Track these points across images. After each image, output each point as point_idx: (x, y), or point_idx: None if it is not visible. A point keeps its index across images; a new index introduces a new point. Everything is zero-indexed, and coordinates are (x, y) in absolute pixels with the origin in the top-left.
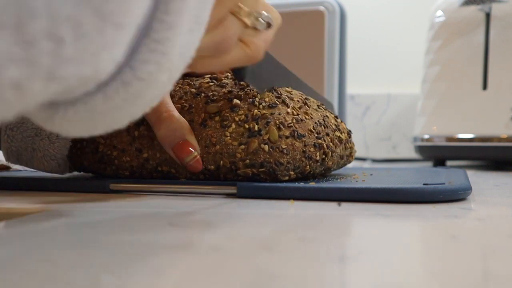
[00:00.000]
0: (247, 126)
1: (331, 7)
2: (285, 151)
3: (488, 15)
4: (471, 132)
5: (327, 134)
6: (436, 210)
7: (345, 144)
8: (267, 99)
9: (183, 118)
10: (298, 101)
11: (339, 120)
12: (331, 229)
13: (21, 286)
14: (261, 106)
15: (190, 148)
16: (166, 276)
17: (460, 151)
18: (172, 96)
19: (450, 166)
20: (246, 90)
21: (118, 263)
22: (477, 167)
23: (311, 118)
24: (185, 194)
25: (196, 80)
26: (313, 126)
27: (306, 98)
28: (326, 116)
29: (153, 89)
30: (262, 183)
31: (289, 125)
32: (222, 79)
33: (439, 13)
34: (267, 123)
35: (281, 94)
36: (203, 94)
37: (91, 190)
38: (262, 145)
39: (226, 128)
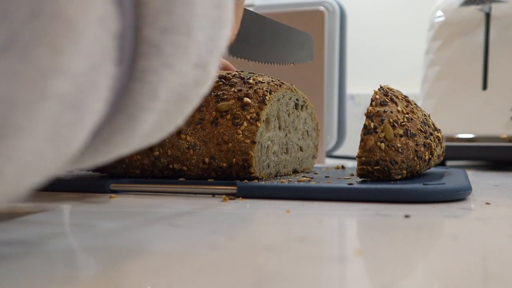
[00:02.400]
0: (259, 124)
1: (331, 7)
2: (400, 150)
3: (488, 15)
4: (471, 132)
5: (431, 134)
6: (436, 210)
7: (441, 143)
8: (377, 97)
9: None
10: (401, 99)
11: (431, 119)
12: (331, 229)
13: (21, 286)
14: (373, 103)
15: None
16: (166, 276)
17: (460, 151)
18: None
19: (450, 166)
20: (255, 88)
21: (119, 263)
22: (477, 167)
23: (418, 117)
24: (185, 194)
25: None
26: (421, 125)
27: (406, 96)
28: (424, 114)
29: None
30: (257, 183)
31: (402, 123)
32: (231, 78)
33: (439, 13)
34: (382, 121)
35: (387, 92)
36: (213, 93)
37: (91, 190)
38: (379, 143)
39: (238, 126)
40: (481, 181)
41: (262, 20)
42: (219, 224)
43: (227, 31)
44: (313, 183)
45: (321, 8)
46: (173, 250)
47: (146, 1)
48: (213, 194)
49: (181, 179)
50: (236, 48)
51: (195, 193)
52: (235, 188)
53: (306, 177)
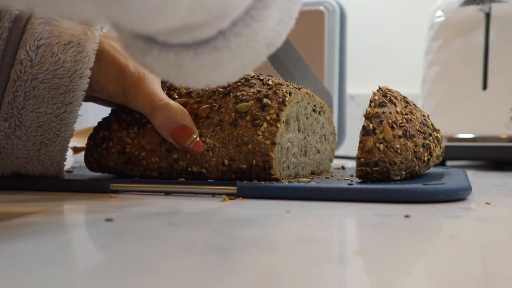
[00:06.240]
0: (279, 125)
1: (331, 7)
2: (399, 151)
3: (488, 15)
4: (471, 132)
5: (430, 135)
6: (436, 210)
7: (440, 144)
8: (376, 98)
9: (178, 104)
10: (400, 99)
11: (430, 120)
12: (331, 229)
13: (21, 286)
14: (372, 104)
15: (188, 132)
16: (166, 276)
17: (460, 151)
18: (200, 95)
19: (450, 166)
20: (274, 90)
21: (118, 263)
22: (477, 167)
23: (416, 118)
24: (185, 194)
25: None
26: (420, 126)
27: (405, 96)
28: (423, 115)
29: (236, 62)
30: (261, 183)
31: (401, 124)
32: (250, 79)
33: (439, 13)
34: (381, 122)
35: (386, 93)
36: (232, 94)
37: (91, 190)
38: (377, 144)
39: (258, 127)
40: (481, 181)
41: (299, 57)
42: (219, 224)
43: None
44: (313, 183)
45: (321, 8)
46: (173, 250)
47: None
48: (213, 194)
49: (181, 179)
50: (277, 62)
51: (195, 193)
52: (235, 188)
53: (307, 177)
